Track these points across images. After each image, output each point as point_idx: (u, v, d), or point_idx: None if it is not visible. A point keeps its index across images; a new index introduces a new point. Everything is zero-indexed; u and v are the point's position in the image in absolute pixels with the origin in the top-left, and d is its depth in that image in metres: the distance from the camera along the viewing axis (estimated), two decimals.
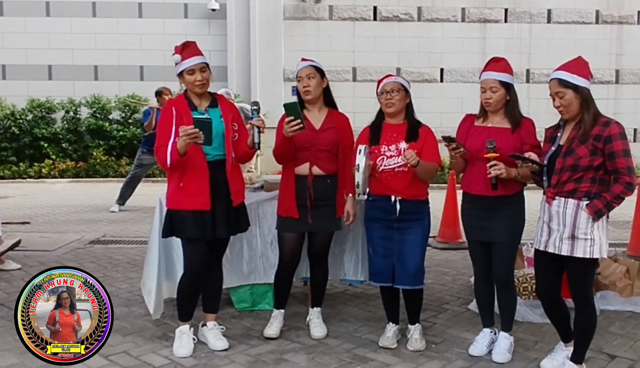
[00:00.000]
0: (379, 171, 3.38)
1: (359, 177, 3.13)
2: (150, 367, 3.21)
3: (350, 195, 3.57)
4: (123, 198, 8.52)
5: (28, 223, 7.46)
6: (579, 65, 2.93)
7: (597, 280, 4.26)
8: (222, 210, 3.30)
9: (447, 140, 3.19)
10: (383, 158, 3.37)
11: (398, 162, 3.34)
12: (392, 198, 3.33)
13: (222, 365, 3.23)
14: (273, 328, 3.63)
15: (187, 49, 3.28)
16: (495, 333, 3.45)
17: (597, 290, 4.20)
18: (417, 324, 3.54)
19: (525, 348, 3.48)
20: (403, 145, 3.37)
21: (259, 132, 3.26)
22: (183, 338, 3.39)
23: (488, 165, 3.08)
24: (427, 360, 3.32)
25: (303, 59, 3.61)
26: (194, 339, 3.43)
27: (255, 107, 3.36)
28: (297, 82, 3.56)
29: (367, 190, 3.45)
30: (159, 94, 8.27)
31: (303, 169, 3.50)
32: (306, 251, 3.73)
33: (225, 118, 3.32)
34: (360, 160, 3.13)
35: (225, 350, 3.40)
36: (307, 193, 3.48)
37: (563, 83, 2.88)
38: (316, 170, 3.50)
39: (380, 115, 3.52)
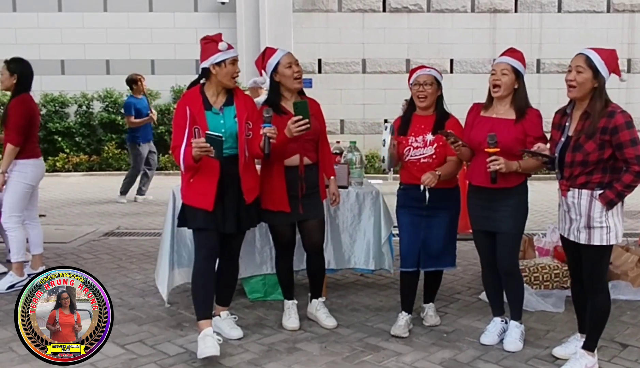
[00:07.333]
0: (405, 161, 3.48)
1: (384, 152, 3.18)
2: (165, 355, 3.27)
3: (332, 177, 3.66)
4: (137, 191, 8.66)
5: (44, 216, 7.51)
6: (611, 56, 2.91)
7: (609, 269, 4.26)
8: (232, 206, 3.28)
9: (443, 135, 3.23)
10: (410, 148, 3.46)
11: (423, 153, 3.43)
12: (421, 187, 3.35)
13: (236, 354, 3.28)
14: (293, 320, 3.66)
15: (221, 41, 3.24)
16: (506, 323, 3.47)
17: (609, 280, 4.18)
18: (431, 303, 3.74)
19: (537, 337, 3.51)
20: (429, 137, 3.44)
21: (269, 142, 3.18)
22: (207, 340, 3.18)
23: (488, 159, 3.10)
24: (439, 349, 3.35)
25: (268, 49, 3.55)
26: (218, 340, 3.25)
27: (267, 115, 3.22)
28: (286, 68, 3.46)
29: (392, 171, 3.52)
30: (134, 81, 8.28)
31: (294, 160, 3.48)
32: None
33: (239, 117, 3.28)
34: (386, 136, 3.17)
35: (239, 339, 3.45)
36: (297, 184, 3.48)
37: (588, 61, 2.86)
38: (306, 160, 3.52)
39: (412, 106, 3.57)
